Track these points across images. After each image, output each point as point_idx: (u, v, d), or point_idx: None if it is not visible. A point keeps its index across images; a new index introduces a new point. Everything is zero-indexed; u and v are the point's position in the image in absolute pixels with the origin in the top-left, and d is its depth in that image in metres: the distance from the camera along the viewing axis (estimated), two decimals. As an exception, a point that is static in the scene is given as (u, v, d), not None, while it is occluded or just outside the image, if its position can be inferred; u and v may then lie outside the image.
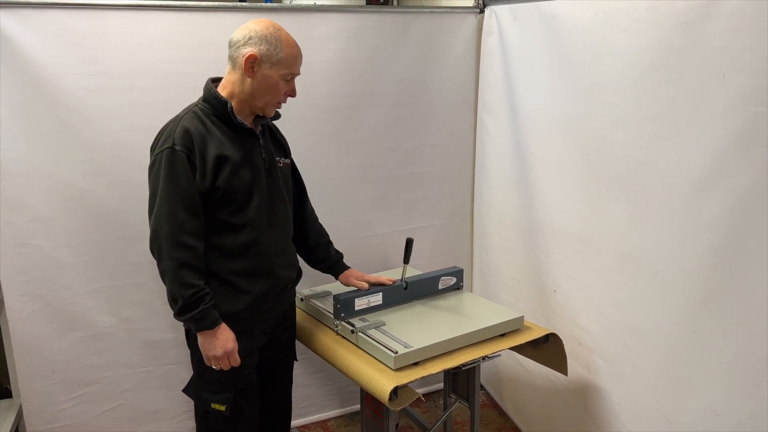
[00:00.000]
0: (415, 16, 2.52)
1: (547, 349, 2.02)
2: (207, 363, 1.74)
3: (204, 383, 1.79)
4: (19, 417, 2.22)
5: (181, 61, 2.17)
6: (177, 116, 1.74)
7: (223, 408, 1.77)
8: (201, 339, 1.71)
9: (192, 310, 1.65)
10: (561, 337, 2.00)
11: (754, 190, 1.42)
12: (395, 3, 4.33)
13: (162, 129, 1.74)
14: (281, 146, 1.95)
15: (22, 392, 2.21)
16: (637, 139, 1.77)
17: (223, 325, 1.71)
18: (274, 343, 1.95)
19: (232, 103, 1.72)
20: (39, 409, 2.23)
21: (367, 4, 4.34)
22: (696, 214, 1.59)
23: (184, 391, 1.86)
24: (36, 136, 2.06)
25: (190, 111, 1.73)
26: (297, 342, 2.09)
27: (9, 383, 2.28)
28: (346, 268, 2.11)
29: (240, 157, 1.72)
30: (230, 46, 1.72)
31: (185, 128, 1.67)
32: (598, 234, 1.97)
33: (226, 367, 1.73)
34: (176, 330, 2.30)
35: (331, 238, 2.07)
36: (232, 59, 1.72)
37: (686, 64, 1.58)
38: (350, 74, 2.45)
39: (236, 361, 1.74)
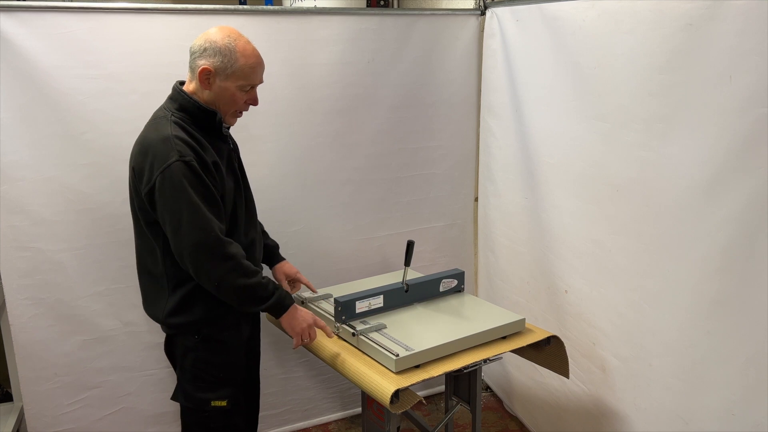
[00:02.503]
0: (416, 18, 2.52)
1: (549, 351, 2.01)
2: (298, 343, 1.79)
3: (202, 383, 1.78)
4: (20, 420, 2.22)
5: (183, 65, 2.15)
6: (155, 129, 1.65)
7: (224, 403, 1.78)
8: (287, 319, 1.76)
9: (275, 289, 1.71)
10: (575, 337, 1.99)
11: (763, 190, 1.41)
12: (396, 5, 4.32)
13: (142, 148, 1.64)
14: (237, 147, 1.93)
15: (24, 396, 2.20)
16: (646, 141, 1.77)
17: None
18: (256, 332, 1.99)
19: None
20: (40, 412, 2.23)
21: (367, 6, 4.34)
22: (706, 214, 1.59)
23: (173, 398, 1.85)
24: (38, 139, 2.06)
25: (168, 121, 1.65)
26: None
27: (10, 387, 2.28)
28: (282, 259, 2.12)
29: (225, 165, 1.74)
30: (190, 55, 1.70)
31: (183, 139, 1.62)
32: (609, 235, 1.97)
33: (314, 337, 1.82)
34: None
35: (332, 241, 2.06)
36: (191, 69, 1.71)
37: (692, 65, 1.58)
38: (351, 77, 2.45)
39: (322, 326, 1.84)
